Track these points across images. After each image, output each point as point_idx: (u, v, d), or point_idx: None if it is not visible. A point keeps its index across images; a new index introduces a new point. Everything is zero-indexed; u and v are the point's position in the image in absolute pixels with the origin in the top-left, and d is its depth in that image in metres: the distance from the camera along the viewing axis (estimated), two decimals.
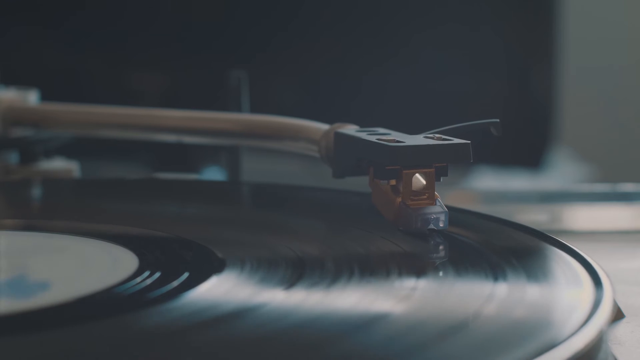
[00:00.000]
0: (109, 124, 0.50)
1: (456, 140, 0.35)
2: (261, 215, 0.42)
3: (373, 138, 0.35)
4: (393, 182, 0.35)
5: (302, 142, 0.42)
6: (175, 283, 0.29)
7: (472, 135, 0.36)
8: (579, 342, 0.24)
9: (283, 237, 0.36)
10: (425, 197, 0.34)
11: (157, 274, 0.30)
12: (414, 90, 0.87)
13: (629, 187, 0.54)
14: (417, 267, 0.32)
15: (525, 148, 0.90)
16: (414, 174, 0.34)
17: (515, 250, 0.34)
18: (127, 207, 0.43)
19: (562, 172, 0.90)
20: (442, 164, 0.34)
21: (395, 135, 0.36)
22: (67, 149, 0.54)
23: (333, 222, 0.39)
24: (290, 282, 0.29)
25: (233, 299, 0.28)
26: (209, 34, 0.89)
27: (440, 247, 0.34)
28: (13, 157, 0.52)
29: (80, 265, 0.33)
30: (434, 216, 0.34)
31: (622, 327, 0.32)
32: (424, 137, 0.36)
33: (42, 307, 0.27)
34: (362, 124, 0.39)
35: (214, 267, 0.31)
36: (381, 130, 0.37)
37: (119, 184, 0.51)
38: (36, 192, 0.48)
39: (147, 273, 0.30)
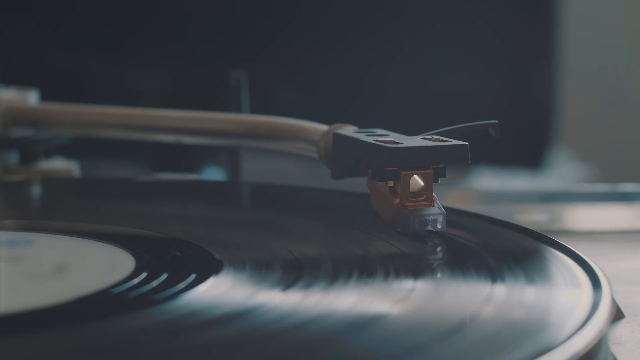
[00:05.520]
0: (109, 124, 0.50)
1: (454, 142, 0.35)
2: (260, 216, 0.42)
3: (371, 139, 0.35)
4: (391, 183, 0.35)
5: (301, 142, 0.42)
6: (173, 284, 0.29)
7: (470, 136, 0.36)
8: (579, 343, 0.24)
9: (282, 238, 0.36)
10: (423, 198, 0.34)
11: (155, 275, 0.30)
12: (414, 90, 0.87)
13: (629, 187, 0.54)
14: (415, 268, 0.32)
15: (525, 148, 0.90)
16: (411, 175, 0.34)
17: (513, 251, 0.34)
18: (127, 207, 0.43)
19: (562, 172, 0.90)
20: (439, 165, 0.34)
21: (393, 136, 0.36)
22: (67, 149, 0.54)
23: (331, 223, 0.39)
24: (288, 283, 0.29)
25: (231, 300, 0.28)
26: (209, 34, 0.89)
27: (438, 249, 0.34)
28: (13, 157, 0.52)
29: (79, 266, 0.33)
30: (432, 218, 0.34)
31: (622, 327, 0.32)
32: (422, 138, 0.35)
33: (42, 307, 0.27)
34: (362, 124, 0.39)
35: (212, 268, 0.31)
36: (380, 131, 0.37)
37: (118, 184, 0.51)
38: (36, 192, 0.48)
39: (144, 274, 0.30)
